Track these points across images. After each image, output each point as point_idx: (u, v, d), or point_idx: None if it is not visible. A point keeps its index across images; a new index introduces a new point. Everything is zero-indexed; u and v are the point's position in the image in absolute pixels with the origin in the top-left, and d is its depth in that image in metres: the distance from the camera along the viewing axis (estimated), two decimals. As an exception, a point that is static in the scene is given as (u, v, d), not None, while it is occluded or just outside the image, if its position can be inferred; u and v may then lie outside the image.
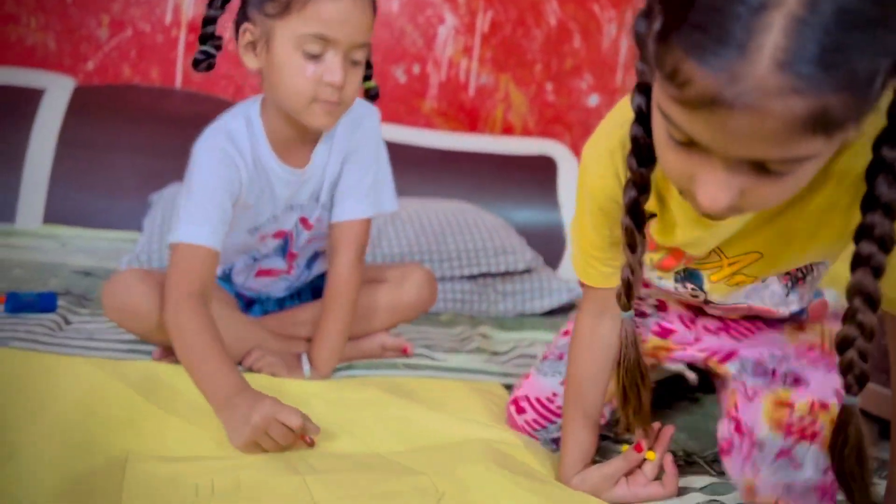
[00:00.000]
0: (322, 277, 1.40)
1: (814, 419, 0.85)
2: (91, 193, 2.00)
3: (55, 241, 1.88)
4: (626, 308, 0.78)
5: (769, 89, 0.50)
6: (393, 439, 0.97)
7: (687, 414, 1.19)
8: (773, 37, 0.50)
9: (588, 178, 0.82)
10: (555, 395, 1.02)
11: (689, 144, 0.58)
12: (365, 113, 1.23)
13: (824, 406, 0.86)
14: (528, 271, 1.85)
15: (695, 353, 1.02)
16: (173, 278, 1.07)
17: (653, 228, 0.84)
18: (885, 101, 0.58)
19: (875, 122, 0.60)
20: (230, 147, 1.12)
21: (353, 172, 1.22)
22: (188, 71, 2.25)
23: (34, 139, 2.00)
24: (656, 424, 0.92)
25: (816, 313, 0.97)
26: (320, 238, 1.31)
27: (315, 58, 1.04)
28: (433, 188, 2.15)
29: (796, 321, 0.97)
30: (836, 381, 0.86)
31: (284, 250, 1.29)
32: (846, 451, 0.70)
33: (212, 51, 1.12)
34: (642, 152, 0.69)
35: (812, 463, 0.84)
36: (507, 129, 2.47)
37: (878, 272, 0.63)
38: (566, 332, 1.09)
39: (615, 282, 0.81)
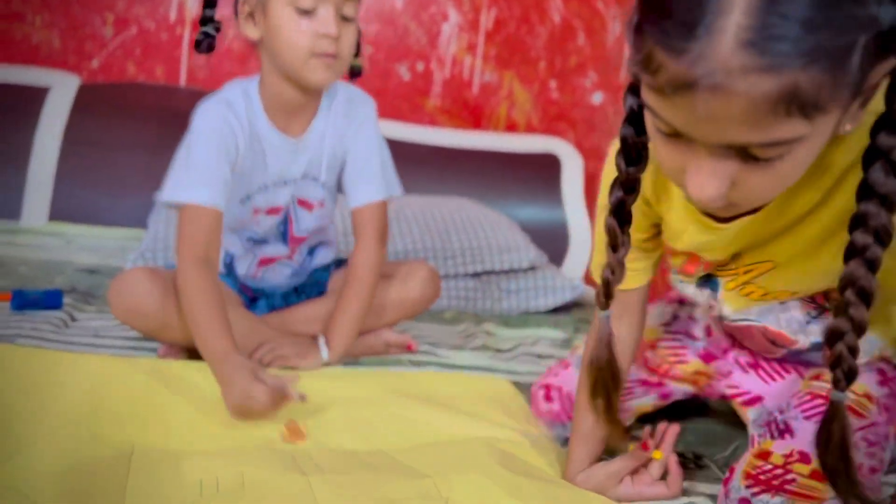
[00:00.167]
0: (324, 271, 1.42)
1: (787, 471, 0.79)
2: (96, 191, 2.00)
3: (60, 238, 1.89)
4: (603, 307, 0.77)
5: (734, 68, 0.51)
6: (397, 436, 0.97)
7: (699, 416, 1.16)
8: (735, 17, 0.50)
9: (609, 172, 0.81)
10: None
11: (675, 136, 0.59)
12: (362, 98, 1.29)
13: (804, 457, 0.79)
14: (532, 269, 1.85)
15: (724, 389, 1.00)
16: (180, 244, 1.12)
17: (664, 233, 0.83)
18: (883, 86, 0.57)
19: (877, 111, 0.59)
20: (228, 113, 1.16)
21: (359, 156, 1.26)
22: (193, 69, 2.25)
23: (39, 137, 2.00)
24: (662, 424, 0.91)
25: None
26: (324, 229, 1.34)
27: (308, 13, 1.10)
28: (437, 186, 2.15)
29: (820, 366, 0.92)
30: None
31: (285, 235, 1.30)
32: (830, 446, 0.67)
33: (212, 32, 1.17)
34: (631, 152, 0.69)
35: None
36: (511, 127, 2.47)
37: (872, 265, 0.61)
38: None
39: (635, 283, 0.81)
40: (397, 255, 1.75)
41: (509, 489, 0.79)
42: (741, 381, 0.99)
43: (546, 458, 0.94)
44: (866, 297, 0.62)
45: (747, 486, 0.80)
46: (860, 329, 0.63)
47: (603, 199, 0.85)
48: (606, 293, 0.76)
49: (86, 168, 2.01)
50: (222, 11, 1.20)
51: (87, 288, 1.53)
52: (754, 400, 0.97)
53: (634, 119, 0.67)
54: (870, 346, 0.87)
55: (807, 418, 0.84)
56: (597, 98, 2.52)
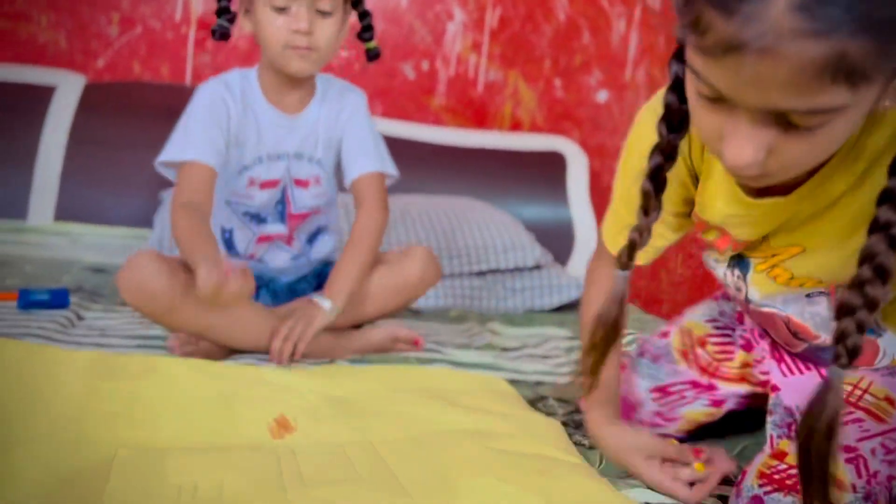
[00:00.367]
0: (327, 266, 1.44)
1: None
2: (102, 190, 2.01)
3: (66, 237, 1.89)
4: (624, 268, 0.77)
5: (784, 31, 0.51)
6: (385, 428, 0.96)
7: (750, 437, 1.09)
8: None
9: (639, 137, 0.81)
10: (640, 403, 0.97)
11: (716, 100, 0.59)
12: (354, 89, 1.41)
13: None
14: (537, 268, 1.85)
15: (758, 374, 0.98)
16: (173, 197, 1.23)
17: (697, 203, 0.83)
18: None
19: None
20: (222, 88, 1.30)
21: (353, 135, 1.37)
22: (198, 68, 2.26)
23: (45, 136, 2.01)
24: (722, 451, 0.86)
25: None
26: (323, 212, 1.40)
27: (282, 10, 1.22)
28: (442, 185, 2.15)
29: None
30: (844, 436, 0.79)
31: (283, 214, 1.36)
32: (815, 428, 0.64)
33: (226, 24, 1.30)
34: (673, 119, 0.69)
35: None
36: (516, 126, 2.47)
37: (894, 242, 0.60)
38: (664, 334, 1.04)
39: (640, 259, 0.82)
40: (402, 254, 1.75)
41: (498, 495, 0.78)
42: (770, 367, 0.97)
43: (541, 448, 0.91)
44: (883, 275, 0.60)
45: (760, 485, 0.80)
46: (872, 306, 0.61)
47: (629, 164, 0.84)
48: (630, 254, 0.76)
49: (92, 167, 2.01)
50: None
51: (93, 287, 1.54)
52: (774, 388, 0.95)
53: (678, 86, 0.67)
54: (892, 347, 0.85)
55: None
56: (602, 96, 2.51)
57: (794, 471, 0.79)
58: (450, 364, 1.29)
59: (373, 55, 1.36)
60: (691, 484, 0.83)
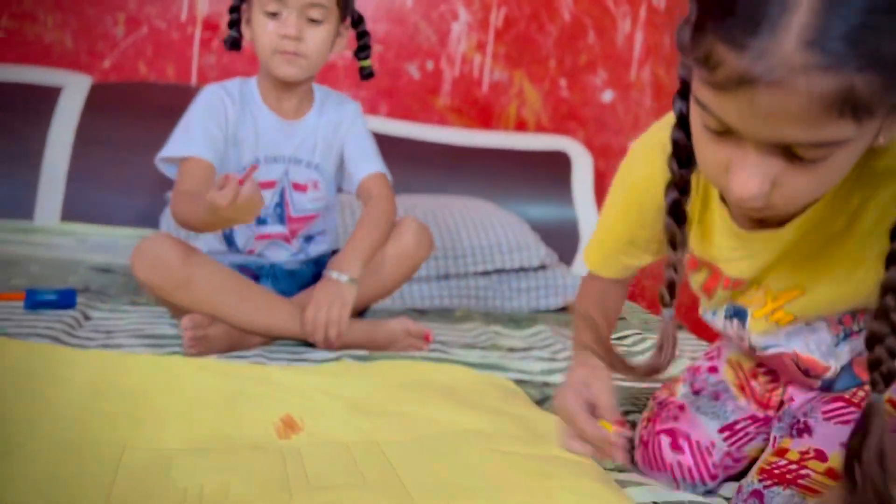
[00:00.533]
0: (325, 257, 1.48)
1: (801, 466, 0.80)
2: (108, 190, 2.01)
3: (73, 237, 1.90)
4: (666, 305, 0.78)
5: (795, 66, 0.52)
6: (390, 428, 0.96)
7: None
8: (800, 16, 0.52)
9: (633, 171, 0.83)
10: (713, 444, 0.92)
11: (723, 133, 0.60)
12: (350, 100, 1.49)
13: (820, 455, 0.80)
14: (542, 268, 1.85)
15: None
16: (174, 187, 1.30)
17: (692, 237, 0.83)
18: None
19: None
20: (220, 90, 1.37)
21: (355, 143, 1.44)
22: (204, 68, 2.26)
23: (51, 136, 2.01)
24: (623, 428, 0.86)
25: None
26: (322, 216, 1.45)
27: (274, 16, 1.29)
28: (447, 185, 2.15)
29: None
30: (843, 433, 0.80)
31: (282, 215, 1.41)
32: (866, 445, 0.66)
33: (236, 34, 1.39)
34: (682, 155, 0.71)
35: None
36: (521, 126, 2.47)
37: None
38: (712, 370, 1.00)
39: (627, 273, 0.85)
40: (407, 254, 1.75)
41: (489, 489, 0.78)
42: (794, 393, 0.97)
43: (547, 448, 0.90)
44: None
45: (760, 480, 0.81)
46: None
47: (621, 197, 0.85)
48: (671, 291, 0.77)
49: (98, 167, 2.02)
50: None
51: (99, 287, 1.54)
52: (790, 400, 0.94)
53: (684, 123, 0.69)
54: None
55: (826, 419, 0.84)
56: (607, 96, 2.51)
57: (793, 466, 0.80)
58: (455, 364, 1.29)
59: (366, 73, 1.44)
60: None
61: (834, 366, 0.86)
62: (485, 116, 2.44)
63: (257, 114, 1.38)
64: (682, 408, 0.95)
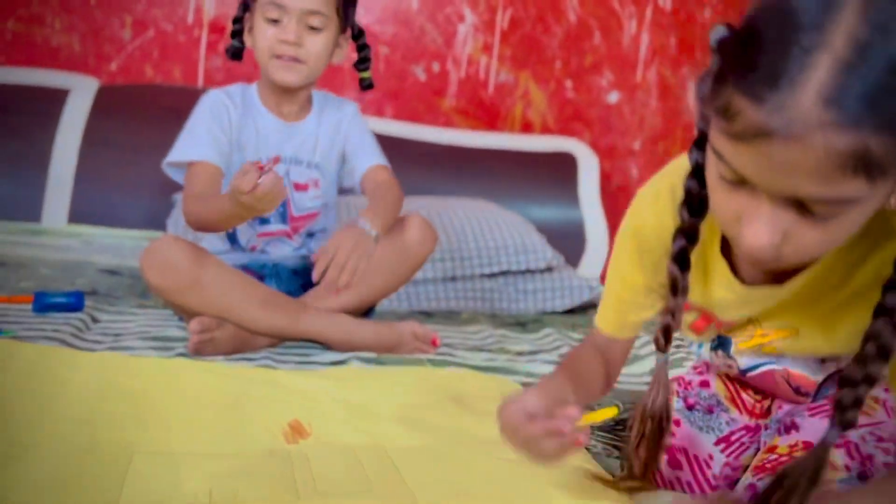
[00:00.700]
0: None
1: (791, 458, 0.82)
2: (115, 192, 2.02)
3: (80, 240, 1.91)
4: (663, 350, 0.79)
5: (812, 122, 0.53)
6: (400, 434, 0.96)
7: None
8: (820, 73, 0.53)
9: (643, 220, 0.82)
10: (711, 457, 0.93)
11: (737, 184, 0.61)
12: (348, 101, 1.53)
13: (808, 446, 0.81)
14: (548, 269, 1.85)
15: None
16: (184, 191, 1.33)
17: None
18: None
19: None
20: (222, 95, 1.40)
21: (356, 139, 1.48)
22: (210, 70, 2.27)
23: (59, 139, 2.02)
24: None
25: None
26: (323, 214, 1.47)
27: (274, 22, 1.33)
28: (453, 186, 2.15)
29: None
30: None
31: (284, 214, 1.44)
32: (801, 475, 0.68)
33: (238, 44, 1.43)
34: (694, 203, 0.72)
35: None
36: (527, 127, 2.47)
37: None
38: (703, 384, 1.01)
39: (634, 333, 0.84)
40: (414, 256, 1.76)
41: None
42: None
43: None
44: (886, 355, 0.64)
45: (753, 474, 0.83)
46: (871, 381, 0.65)
47: (624, 245, 0.85)
48: (667, 337, 0.77)
49: (105, 169, 2.03)
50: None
51: (107, 289, 1.55)
52: (780, 407, 0.96)
53: (699, 172, 0.70)
54: None
55: (812, 416, 0.87)
56: (613, 97, 2.51)
57: (784, 458, 0.82)
58: (462, 368, 1.29)
59: (365, 85, 1.48)
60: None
61: (820, 379, 0.88)
62: (491, 118, 2.44)
63: (258, 118, 1.41)
64: (677, 423, 0.96)
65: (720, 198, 0.64)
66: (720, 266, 0.79)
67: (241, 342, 1.28)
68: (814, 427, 0.85)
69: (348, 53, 1.45)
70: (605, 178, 2.47)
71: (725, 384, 0.99)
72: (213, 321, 1.23)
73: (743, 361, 0.90)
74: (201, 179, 1.32)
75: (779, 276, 0.75)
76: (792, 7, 0.56)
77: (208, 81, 2.26)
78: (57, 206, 1.99)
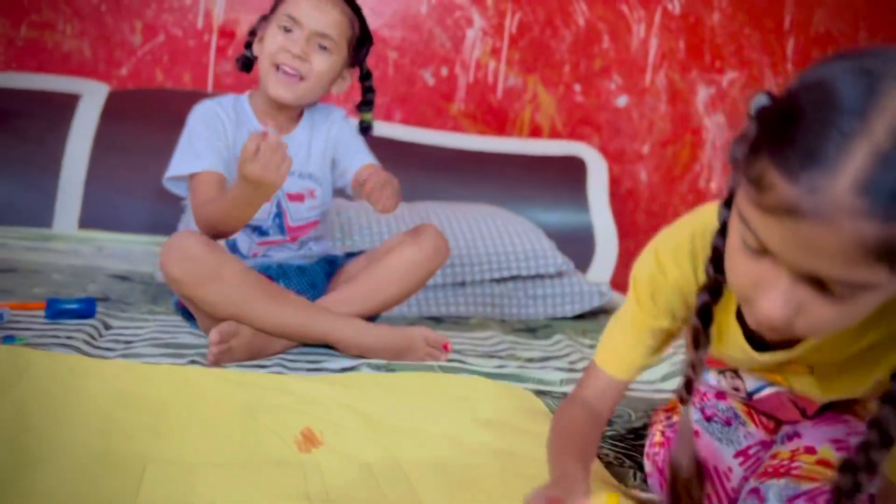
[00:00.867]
0: (332, 264, 1.52)
1: (792, 460, 0.84)
2: (125, 198, 2.02)
3: (91, 245, 1.91)
4: (684, 402, 0.79)
5: (845, 208, 0.54)
6: (412, 447, 0.96)
7: None
8: (856, 160, 0.53)
9: (658, 266, 0.83)
10: (730, 469, 0.93)
11: (760, 252, 0.61)
12: (333, 107, 1.54)
13: (810, 450, 0.85)
14: (558, 275, 1.84)
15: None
16: (193, 207, 1.34)
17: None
18: None
19: None
20: (214, 105, 1.41)
21: (346, 142, 1.49)
22: (220, 75, 2.27)
23: (70, 144, 2.03)
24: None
25: None
26: (321, 222, 1.49)
27: (287, 31, 1.35)
28: (461, 191, 2.15)
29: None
30: (832, 433, 0.85)
31: (281, 226, 1.46)
32: None
33: (249, 55, 1.46)
34: (721, 261, 0.72)
35: (775, 493, 0.82)
36: (536, 131, 2.46)
37: None
38: (720, 396, 1.02)
39: (634, 376, 0.85)
40: (423, 262, 1.76)
41: None
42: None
43: None
44: (889, 443, 0.65)
45: (756, 478, 0.85)
46: (872, 468, 0.66)
47: (641, 292, 0.85)
48: (688, 390, 0.77)
49: (115, 175, 2.03)
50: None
51: (119, 295, 1.55)
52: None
53: (726, 231, 0.70)
54: None
55: (815, 426, 0.88)
56: (621, 101, 2.51)
57: (786, 461, 0.84)
58: (473, 375, 1.29)
59: (364, 126, 1.50)
60: None
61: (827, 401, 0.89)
62: (499, 122, 2.44)
63: (251, 129, 1.41)
64: (696, 434, 0.96)
65: (740, 261, 0.64)
66: (734, 329, 0.80)
67: (257, 349, 1.28)
68: (815, 432, 0.87)
69: (348, 88, 1.48)
70: (615, 183, 2.47)
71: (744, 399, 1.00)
72: (231, 330, 1.23)
73: (749, 383, 0.90)
74: (209, 187, 1.32)
75: (791, 342, 0.76)
76: (834, 88, 0.55)
77: (218, 86, 2.27)
78: (68, 211, 2.00)
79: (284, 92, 1.36)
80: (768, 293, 0.61)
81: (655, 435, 0.97)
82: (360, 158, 1.47)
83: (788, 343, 0.76)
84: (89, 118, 2.07)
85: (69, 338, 1.24)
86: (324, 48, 1.36)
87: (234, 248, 1.45)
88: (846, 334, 0.74)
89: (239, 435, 0.95)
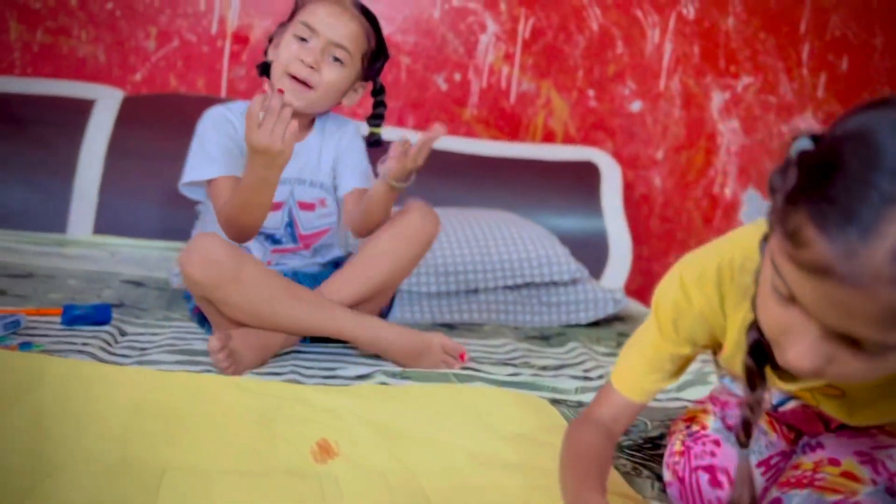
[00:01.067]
0: (339, 266, 1.50)
1: (816, 471, 0.83)
2: (140, 203, 2.03)
3: (105, 250, 1.92)
4: (744, 445, 0.77)
5: (882, 276, 0.52)
6: (428, 459, 0.95)
7: None
8: None
9: (683, 294, 0.82)
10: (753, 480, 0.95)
11: (790, 300, 0.60)
12: (347, 120, 1.54)
13: (834, 461, 0.84)
14: (572, 282, 1.83)
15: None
16: (217, 212, 1.34)
17: (725, 357, 0.84)
18: None
19: None
20: (224, 111, 1.43)
21: (349, 158, 1.49)
22: (233, 80, 2.28)
23: (84, 150, 2.04)
24: None
25: None
26: (332, 230, 1.50)
27: (302, 41, 1.35)
28: (474, 196, 2.15)
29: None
30: (856, 445, 0.84)
31: (293, 234, 1.46)
32: None
33: (269, 60, 1.44)
34: None
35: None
36: (549, 137, 2.46)
37: None
38: (741, 403, 1.04)
39: (648, 399, 0.85)
40: (436, 268, 1.75)
41: None
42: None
43: None
44: None
45: (778, 488, 0.84)
46: None
47: (664, 317, 0.84)
48: (747, 431, 0.76)
49: (130, 180, 2.04)
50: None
51: (133, 301, 1.55)
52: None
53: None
54: None
55: (838, 437, 0.88)
56: (635, 107, 2.50)
57: (809, 472, 0.83)
58: (488, 383, 1.28)
59: (373, 140, 1.48)
60: None
61: None
62: (512, 127, 2.44)
63: None
64: (717, 443, 0.95)
65: (771, 306, 0.63)
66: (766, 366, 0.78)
67: (261, 349, 1.27)
68: (838, 444, 0.86)
69: (359, 100, 1.48)
70: (629, 188, 2.46)
71: (766, 410, 0.99)
72: (224, 334, 1.22)
73: (775, 395, 0.89)
74: (227, 190, 1.34)
75: None
76: (877, 143, 0.53)
77: (231, 91, 2.28)
78: (82, 216, 2.00)
79: (293, 99, 1.36)
80: (797, 343, 0.60)
81: (675, 444, 0.96)
82: (352, 181, 1.47)
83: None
84: (104, 123, 2.08)
85: (85, 344, 1.25)
86: (337, 60, 1.36)
87: None
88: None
89: (255, 444, 0.95)
